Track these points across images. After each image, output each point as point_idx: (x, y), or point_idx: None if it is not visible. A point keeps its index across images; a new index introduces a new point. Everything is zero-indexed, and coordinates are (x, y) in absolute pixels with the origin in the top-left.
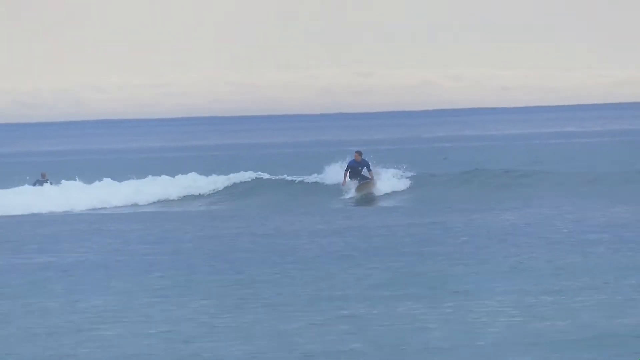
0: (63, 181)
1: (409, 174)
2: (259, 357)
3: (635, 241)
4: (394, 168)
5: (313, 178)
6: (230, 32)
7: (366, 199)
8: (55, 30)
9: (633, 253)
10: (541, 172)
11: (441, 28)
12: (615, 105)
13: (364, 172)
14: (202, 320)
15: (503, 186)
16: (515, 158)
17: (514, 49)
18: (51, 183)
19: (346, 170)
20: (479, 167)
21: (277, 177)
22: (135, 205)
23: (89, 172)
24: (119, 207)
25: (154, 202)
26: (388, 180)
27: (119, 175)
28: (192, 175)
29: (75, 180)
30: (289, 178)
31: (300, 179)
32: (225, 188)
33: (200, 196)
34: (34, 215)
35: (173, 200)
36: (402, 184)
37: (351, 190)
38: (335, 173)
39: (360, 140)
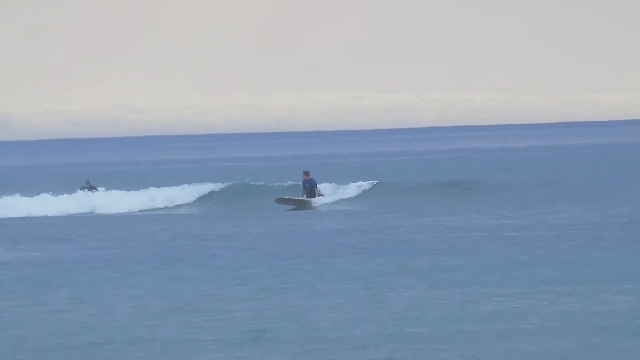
0: (111, 189)
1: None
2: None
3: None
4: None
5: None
6: (240, 59)
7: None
8: (96, 57)
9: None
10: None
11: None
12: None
13: (310, 189)
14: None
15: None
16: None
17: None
18: (96, 189)
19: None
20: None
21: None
22: (167, 207)
23: (134, 180)
24: (160, 208)
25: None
26: (327, 197)
27: (161, 182)
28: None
29: (116, 187)
30: (274, 184)
31: (277, 184)
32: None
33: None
34: (82, 215)
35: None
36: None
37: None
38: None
39: (354, 153)
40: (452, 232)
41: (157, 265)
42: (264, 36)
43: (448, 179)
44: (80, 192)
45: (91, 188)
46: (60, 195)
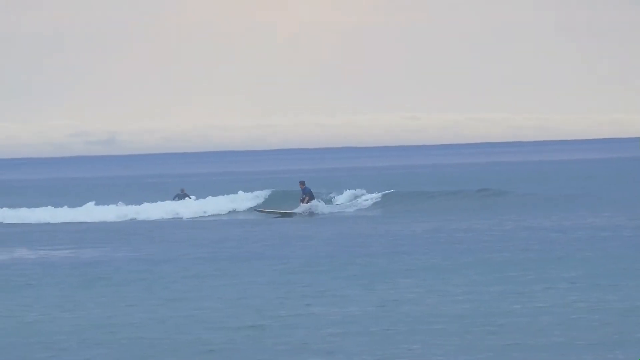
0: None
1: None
2: None
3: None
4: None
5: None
6: (307, 82)
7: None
8: (188, 79)
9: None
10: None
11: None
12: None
13: (302, 197)
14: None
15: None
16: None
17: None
18: (189, 196)
19: None
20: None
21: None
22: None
23: (219, 187)
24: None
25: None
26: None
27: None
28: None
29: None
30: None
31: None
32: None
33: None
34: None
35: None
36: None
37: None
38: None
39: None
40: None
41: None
42: (329, 63)
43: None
44: (174, 199)
45: (184, 195)
46: (157, 202)
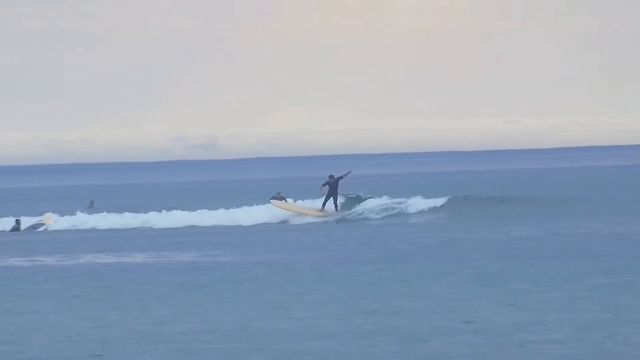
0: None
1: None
2: None
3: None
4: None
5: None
6: (406, 87)
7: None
8: (285, 85)
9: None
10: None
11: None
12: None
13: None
14: None
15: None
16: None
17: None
18: (285, 199)
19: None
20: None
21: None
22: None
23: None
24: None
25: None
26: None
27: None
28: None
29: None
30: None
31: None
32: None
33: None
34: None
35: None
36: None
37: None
38: None
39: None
40: None
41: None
42: (423, 68)
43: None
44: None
45: (281, 198)
46: (254, 206)
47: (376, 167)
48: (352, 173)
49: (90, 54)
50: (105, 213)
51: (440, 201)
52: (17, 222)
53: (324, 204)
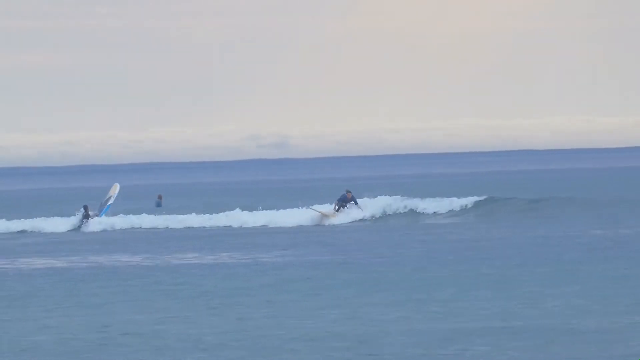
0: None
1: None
2: None
3: None
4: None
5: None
6: (482, 85)
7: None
8: (359, 85)
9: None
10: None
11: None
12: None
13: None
14: None
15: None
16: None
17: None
18: (356, 202)
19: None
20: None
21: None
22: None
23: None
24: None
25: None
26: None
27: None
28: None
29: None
30: None
31: None
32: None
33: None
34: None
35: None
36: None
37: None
38: None
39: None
40: None
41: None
42: (498, 66)
43: None
44: (338, 201)
45: (351, 198)
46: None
47: (448, 166)
48: (364, 215)
49: (162, 55)
50: (194, 214)
51: (468, 201)
52: (85, 208)
53: (339, 208)
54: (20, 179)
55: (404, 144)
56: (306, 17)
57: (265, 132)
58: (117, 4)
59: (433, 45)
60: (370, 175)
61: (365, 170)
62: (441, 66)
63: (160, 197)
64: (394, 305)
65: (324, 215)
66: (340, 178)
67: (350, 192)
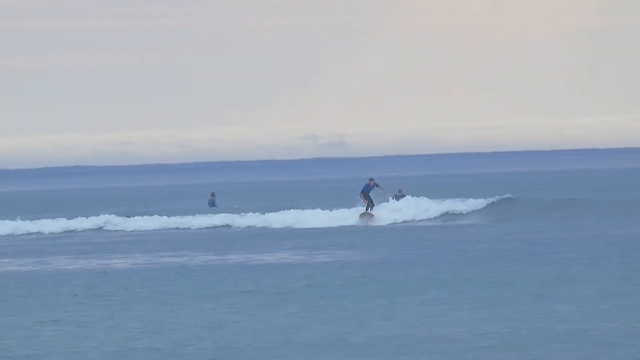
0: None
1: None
2: None
3: None
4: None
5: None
6: (535, 84)
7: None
8: (417, 81)
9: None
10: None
11: None
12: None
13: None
14: None
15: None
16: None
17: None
18: (404, 196)
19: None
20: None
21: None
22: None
23: (434, 190)
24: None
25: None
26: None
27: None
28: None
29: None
30: None
31: None
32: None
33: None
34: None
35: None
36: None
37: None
38: None
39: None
40: None
41: None
42: (561, 65)
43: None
44: (391, 199)
45: (402, 196)
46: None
47: (502, 165)
48: (387, 194)
49: (222, 55)
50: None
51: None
52: (212, 194)
53: (369, 207)
54: (91, 178)
55: (462, 143)
56: (362, 18)
57: (322, 131)
58: (176, 3)
59: (489, 44)
60: (426, 174)
61: (421, 169)
62: (496, 64)
63: (213, 195)
64: None
65: (365, 216)
66: (395, 177)
67: (372, 179)
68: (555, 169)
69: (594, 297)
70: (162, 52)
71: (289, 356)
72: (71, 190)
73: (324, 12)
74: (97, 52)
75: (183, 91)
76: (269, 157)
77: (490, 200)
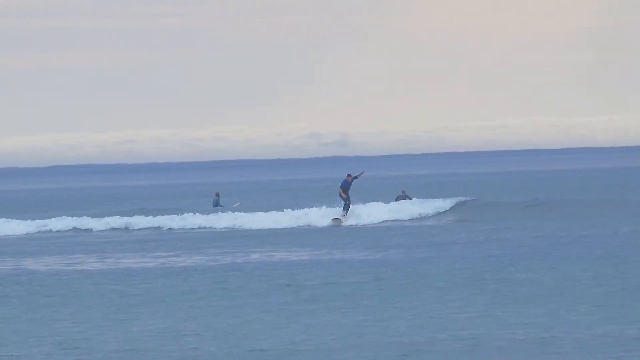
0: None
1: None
2: None
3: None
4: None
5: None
6: (543, 83)
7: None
8: (421, 83)
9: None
10: None
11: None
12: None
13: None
14: None
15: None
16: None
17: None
18: (409, 198)
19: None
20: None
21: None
22: None
23: (442, 190)
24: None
25: None
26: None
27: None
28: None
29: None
30: None
31: None
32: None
33: None
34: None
35: None
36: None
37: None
38: None
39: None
40: None
41: None
42: (563, 65)
43: None
44: (396, 200)
45: (406, 197)
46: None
47: (509, 164)
48: (366, 174)
49: (225, 54)
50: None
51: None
52: (217, 195)
53: (347, 207)
54: (97, 177)
55: (467, 142)
56: (368, 17)
57: (327, 130)
58: (180, 3)
59: (497, 44)
60: (430, 174)
61: (425, 168)
62: (503, 64)
63: (217, 195)
64: None
65: (336, 221)
66: (399, 176)
67: (350, 175)
68: (554, 168)
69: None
70: (166, 52)
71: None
72: (95, 187)
73: (330, 11)
74: (100, 52)
75: (188, 90)
76: (273, 156)
77: (455, 200)
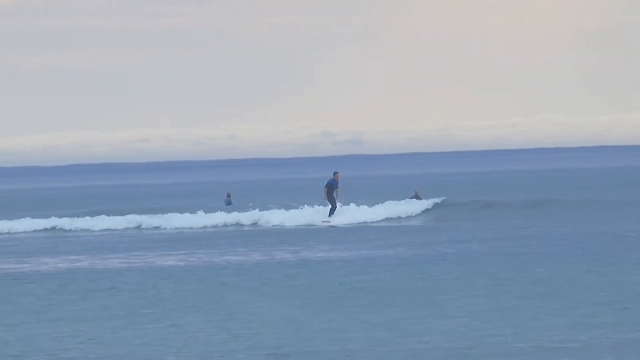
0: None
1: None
2: None
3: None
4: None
5: None
6: (551, 81)
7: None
8: (432, 83)
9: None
10: None
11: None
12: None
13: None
14: None
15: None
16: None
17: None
18: (420, 199)
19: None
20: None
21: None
22: None
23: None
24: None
25: None
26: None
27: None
28: None
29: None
30: None
31: None
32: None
33: None
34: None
35: None
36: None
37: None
38: None
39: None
40: None
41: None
42: (569, 63)
43: None
44: (405, 200)
45: (418, 197)
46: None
47: (520, 163)
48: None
49: (235, 53)
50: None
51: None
52: (228, 195)
53: (332, 210)
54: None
55: (478, 141)
56: (379, 17)
57: (339, 129)
58: (189, 2)
59: (503, 43)
60: (443, 172)
61: (438, 167)
62: (511, 63)
63: (229, 195)
64: None
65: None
66: (412, 175)
67: (337, 173)
68: (555, 168)
69: None
70: (176, 51)
71: None
72: (109, 187)
73: (346, 9)
74: (105, 51)
75: (199, 89)
76: (286, 154)
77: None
